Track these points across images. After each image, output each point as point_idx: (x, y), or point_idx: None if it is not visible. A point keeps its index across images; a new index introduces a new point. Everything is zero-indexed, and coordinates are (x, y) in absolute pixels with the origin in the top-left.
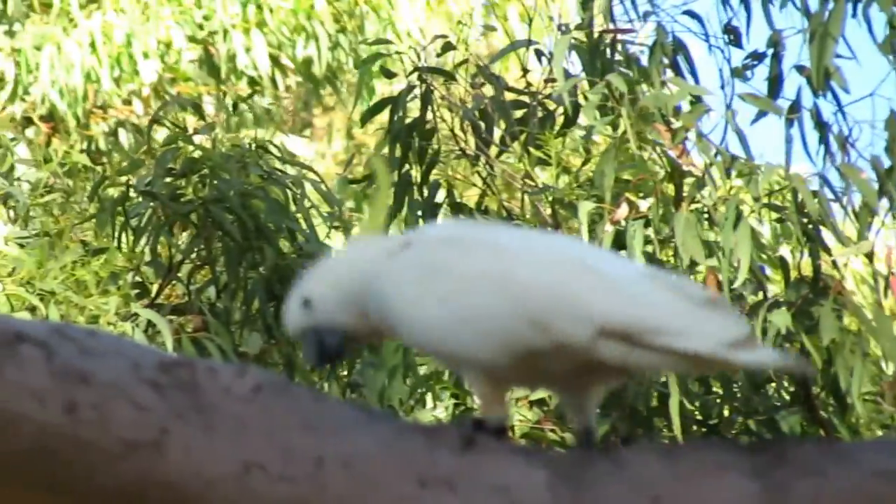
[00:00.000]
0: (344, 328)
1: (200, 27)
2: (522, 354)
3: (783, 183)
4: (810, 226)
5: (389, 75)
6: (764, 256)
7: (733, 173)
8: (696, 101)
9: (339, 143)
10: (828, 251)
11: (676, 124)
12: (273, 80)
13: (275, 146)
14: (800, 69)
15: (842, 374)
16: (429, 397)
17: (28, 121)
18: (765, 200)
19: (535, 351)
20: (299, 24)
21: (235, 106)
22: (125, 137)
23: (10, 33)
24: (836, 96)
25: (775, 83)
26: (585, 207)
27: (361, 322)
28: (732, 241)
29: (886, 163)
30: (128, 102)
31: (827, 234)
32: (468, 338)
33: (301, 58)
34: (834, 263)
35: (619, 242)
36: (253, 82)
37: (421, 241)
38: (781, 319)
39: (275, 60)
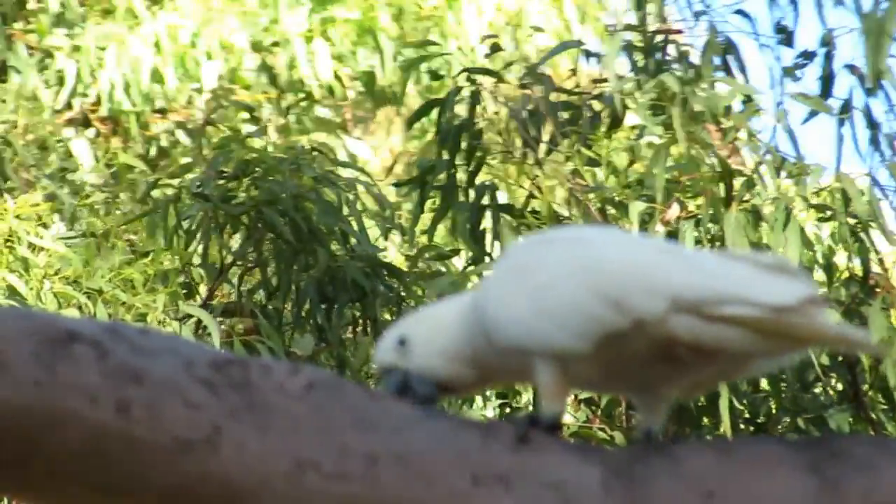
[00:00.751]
0: (438, 378)
1: (266, 30)
2: (602, 339)
3: (833, 183)
4: (859, 225)
5: (436, 77)
6: (812, 256)
7: (783, 173)
8: (748, 100)
9: (397, 136)
10: (876, 251)
11: (727, 124)
12: (331, 91)
13: (329, 148)
14: (851, 68)
15: (891, 373)
16: (478, 397)
17: (87, 120)
18: (813, 200)
19: (613, 333)
20: (363, 37)
21: (288, 109)
22: (185, 139)
23: (70, 35)
24: (887, 96)
25: (827, 82)
26: (636, 207)
27: (463, 371)
28: (782, 241)
29: None
30: (190, 103)
31: (876, 234)
32: (550, 326)
33: (363, 70)
34: (881, 262)
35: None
36: (311, 96)
37: (511, 248)
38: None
39: (334, 73)
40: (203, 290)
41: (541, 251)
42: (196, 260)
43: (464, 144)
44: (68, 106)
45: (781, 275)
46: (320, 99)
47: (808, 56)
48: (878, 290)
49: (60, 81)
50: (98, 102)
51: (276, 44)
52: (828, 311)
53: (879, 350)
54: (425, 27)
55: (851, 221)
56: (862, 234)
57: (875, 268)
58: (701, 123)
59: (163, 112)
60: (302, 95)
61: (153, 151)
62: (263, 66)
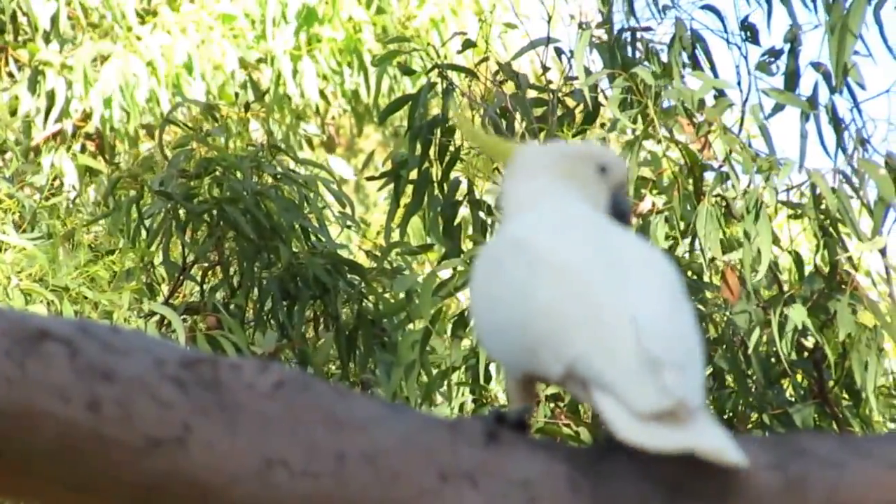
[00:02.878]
0: None
1: (250, 48)
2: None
3: (802, 179)
4: (827, 221)
5: (408, 73)
6: (781, 251)
7: (754, 168)
8: (720, 94)
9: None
10: (844, 247)
11: (699, 118)
12: (317, 109)
13: (289, 146)
14: (816, 66)
15: (857, 369)
16: (447, 392)
17: (74, 138)
18: (784, 196)
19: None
20: (349, 56)
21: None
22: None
23: (61, 52)
24: (852, 92)
25: (793, 78)
26: None
27: None
28: (753, 235)
29: None
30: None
31: (844, 230)
32: (492, 345)
33: (350, 88)
34: (850, 259)
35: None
36: (296, 113)
37: (503, 231)
38: (798, 315)
39: (321, 92)
40: (165, 288)
41: (504, 258)
42: (158, 258)
43: (437, 140)
44: (57, 120)
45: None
46: (307, 117)
47: (774, 54)
48: (844, 286)
49: (51, 98)
50: (85, 119)
51: (261, 60)
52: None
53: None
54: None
55: (821, 217)
56: (831, 230)
57: (843, 264)
58: (674, 117)
59: (149, 128)
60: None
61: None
62: (249, 82)
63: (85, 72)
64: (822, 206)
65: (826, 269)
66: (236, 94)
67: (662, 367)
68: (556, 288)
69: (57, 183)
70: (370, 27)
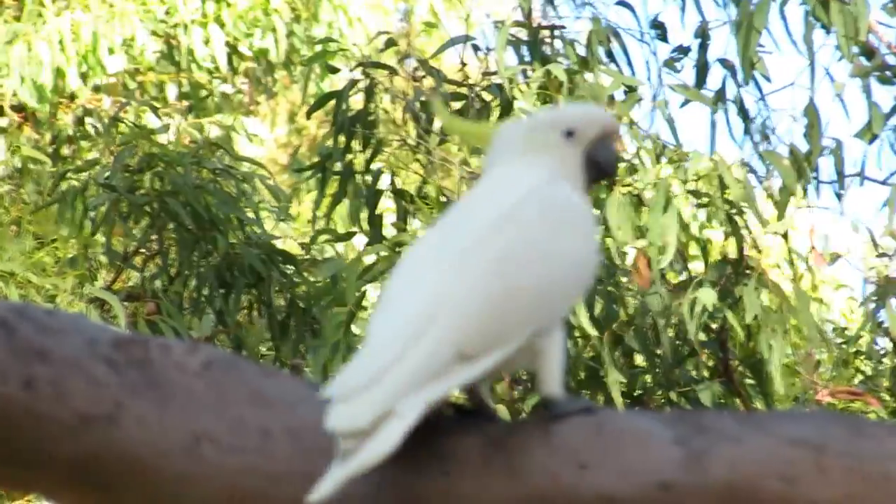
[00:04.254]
0: None
1: (164, 22)
2: None
3: (710, 169)
4: (734, 209)
5: (333, 71)
6: (689, 238)
7: (664, 160)
8: (630, 90)
9: (282, 128)
10: (750, 232)
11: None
12: (232, 66)
13: (227, 141)
14: (723, 62)
15: (764, 349)
16: None
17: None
18: (691, 186)
19: None
20: (256, 18)
21: (189, 94)
22: (91, 128)
23: None
24: (758, 86)
25: (702, 73)
26: None
27: None
28: (661, 224)
29: (804, 148)
30: (97, 90)
31: (750, 219)
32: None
33: (258, 48)
34: (755, 244)
35: None
36: (211, 72)
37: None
38: (707, 297)
39: (234, 49)
40: (106, 275)
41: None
42: (101, 247)
43: (360, 133)
44: None
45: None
46: (221, 77)
47: (683, 51)
48: (749, 271)
49: None
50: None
51: (174, 26)
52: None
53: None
54: (316, 6)
55: (726, 206)
56: (736, 218)
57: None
58: None
59: (72, 98)
60: (204, 75)
61: (62, 138)
62: (165, 51)
63: None
64: (727, 195)
65: (733, 255)
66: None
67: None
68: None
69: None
70: None
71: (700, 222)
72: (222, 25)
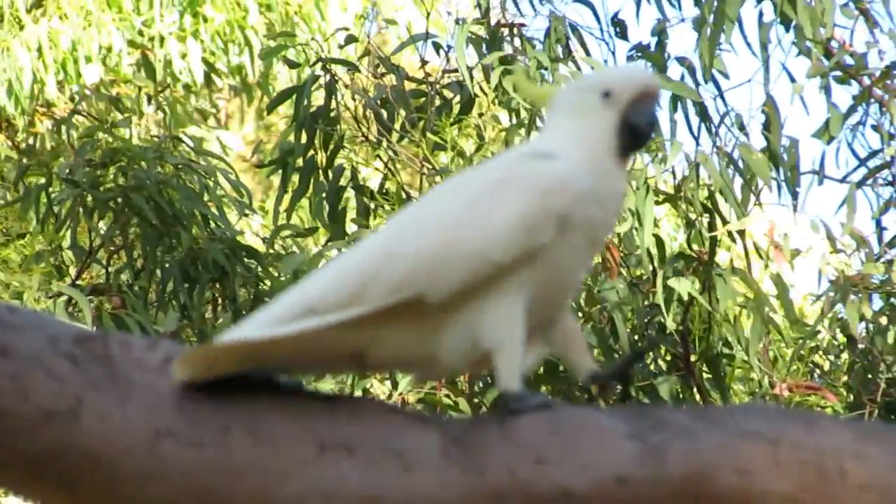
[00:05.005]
0: None
1: (140, 33)
2: None
3: (683, 164)
4: (709, 201)
5: (292, 65)
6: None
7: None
8: None
9: (249, 126)
10: (725, 222)
11: None
12: (208, 82)
13: (197, 140)
14: (681, 60)
15: (735, 339)
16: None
17: None
18: (662, 181)
19: None
20: (233, 34)
21: (155, 101)
22: (67, 135)
23: None
24: (716, 83)
25: (661, 70)
26: None
27: None
28: (634, 217)
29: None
30: (72, 100)
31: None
32: None
33: (234, 64)
34: (713, 240)
35: None
36: (188, 87)
37: None
38: (684, 287)
39: (210, 65)
40: (73, 270)
41: None
42: (66, 242)
43: (321, 130)
44: None
45: None
46: (197, 90)
47: (642, 49)
48: (718, 264)
49: None
50: None
51: (151, 39)
52: None
53: None
54: (293, 23)
55: (700, 201)
56: (711, 208)
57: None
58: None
59: (48, 106)
60: (180, 89)
61: (37, 146)
62: (141, 62)
63: None
64: (702, 186)
65: (703, 248)
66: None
67: None
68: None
69: None
70: (255, 6)
71: (665, 216)
72: (200, 41)
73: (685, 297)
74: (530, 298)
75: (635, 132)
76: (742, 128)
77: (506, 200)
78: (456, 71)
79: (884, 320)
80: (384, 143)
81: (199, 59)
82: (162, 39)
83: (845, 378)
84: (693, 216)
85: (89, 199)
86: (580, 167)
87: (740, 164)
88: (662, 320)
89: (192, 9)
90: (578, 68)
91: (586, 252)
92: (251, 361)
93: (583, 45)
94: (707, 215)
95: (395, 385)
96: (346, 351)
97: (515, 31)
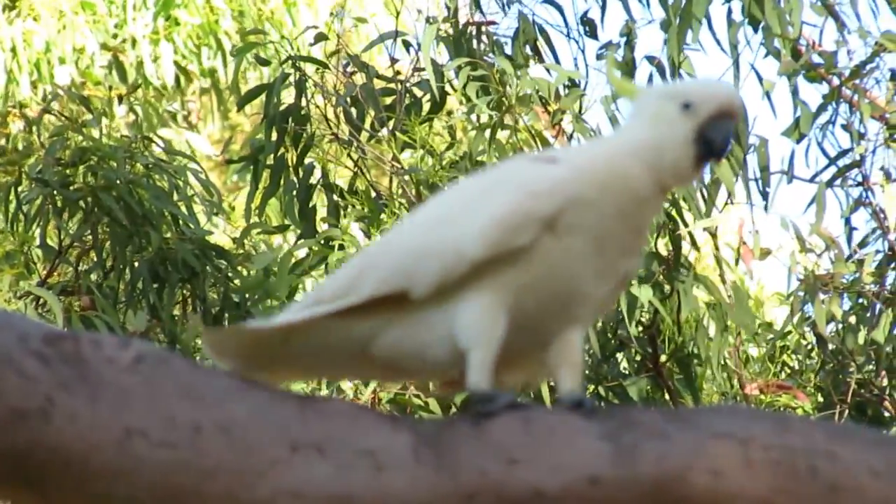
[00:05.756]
0: None
1: (115, 36)
2: None
3: None
4: (672, 207)
5: (263, 63)
6: None
7: None
8: (573, 84)
9: (213, 125)
10: (686, 226)
11: (554, 107)
12: (179, 86)
13: (167, 140)
14: (650, 59)
15: (700, 345)
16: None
17: None
18: None
19: None
20: (206, 38)
21: (125, 102)
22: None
23: None
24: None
25: (629, 70)
26: None
27: None
28: None
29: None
30: (45, 100)
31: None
32: None
33: (207, 67)
34: (677, 241)
35: None
36: (158, 89)
37: None
38: (644, 293)
39: (182, 69)
40: (42, 269)
41: None
42: (36, 241)
43: (291, 128)
44: None
45: None
46: (168, 94)
47: (611, 48)
48: (685, 269)
49: None
50: None
51: (125, 41)
52: None
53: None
54: (265, 28)
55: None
56: (674, 213)
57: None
58: (528, 106)
59: (21, 107)
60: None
61: (9, 146)
62: (113, 64)
63: None
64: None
65: (668, 252)
66: (105, 77)
67: None
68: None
69: None
70: (228, 10)
71: None
72: (171, 42)
73: (646, 305)
74: (522, 305)
75: (710, 147)
76: None
77: (491, 201)
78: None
79: (853, 320)
80: (354, 143)
81: (172, 63)
82: (134, 41)
83: (816, 378)
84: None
85: (59, 198)
86: (582, 174)
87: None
88: (640, 319)
89: (166, 12)
90: (548, 71)
91: (595, 261)
92: (275, 351)
93: (550, 47)
94: (670, 221)
95: (366, 384)
96: (354, 346)
97: (483, 31)
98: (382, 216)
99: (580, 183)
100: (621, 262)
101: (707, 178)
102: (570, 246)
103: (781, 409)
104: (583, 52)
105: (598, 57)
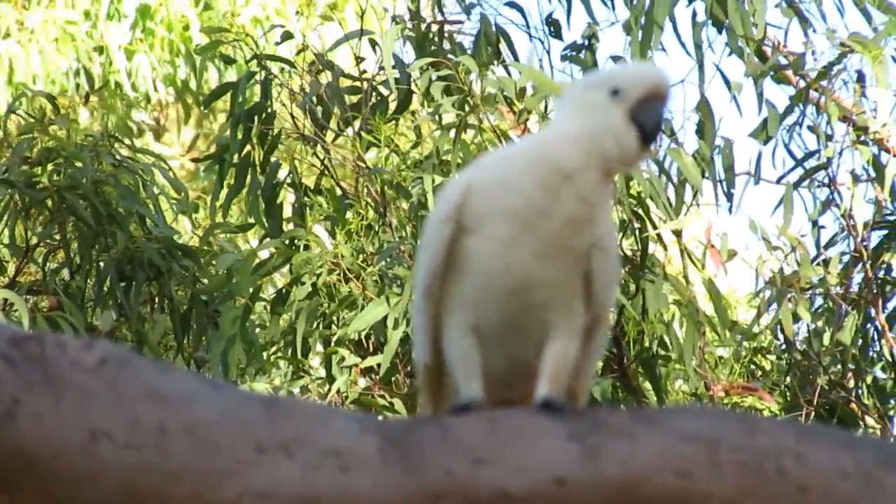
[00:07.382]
0: None
1: (94, 42)
2: None
3: None
4: (639, 207)
5: (228, 61)
6: None
7: None
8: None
9: (188, 132)
10: (655, 227)
11: (520, 106)
12: (148, 98)
13: (129, 134)
14: (616, 59)
15: (672, 342)
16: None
17: None
18: None
19: None
20: (177, 49)
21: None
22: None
23: None
24: None
25: (593, 70)
26: (431, 182)
27: None
28: None
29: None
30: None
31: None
32: None
33: (180, 79)
34: (644, 241)
35: None
36: (128, 101)
37: None
38: None
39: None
40: (11, 269)
41: None
42: (4, 240)
43: (257, 126)
44: None
45: None
46: (138, 105)
47: (576, 48)
48: (652, 269)
49: None
50: None
51: (97, 49)
52: None
53: None
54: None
55: (631, 202)
56: (641, 213)
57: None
58: (494, 106)
59: None
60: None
61: None
62: (83, 72)
63: None
64: (632, 191)
65: (635, 251)
66: (77, 86)
67: None
68: None
69: None
70: (199, 24)
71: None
72: (146, 54)
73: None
74: (485, 315)
75: (641, 131)
76: (672, 133)
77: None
78: (393, 67)
79: (820, 322)
80: (319, 142)
81: (149, 72)
82: (104, 50)
83: (785, 379)
84: (624, 217)
85: (25, 198)
86: (493, 163)
87: (674, 168)
88: None
89: (143, 23)
90: (508, 72)
91: (530, 241)
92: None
93: (511, 49)
94: (638, 220)
95: (331, 382)
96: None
97: (446, 32)
98: (348, 215)
99: (482, 170)
100: (569, 236)
101: (675, 178)
102: (494, 234)
103: (748, 410)
104: (548, 52)
105: (563, 58)
